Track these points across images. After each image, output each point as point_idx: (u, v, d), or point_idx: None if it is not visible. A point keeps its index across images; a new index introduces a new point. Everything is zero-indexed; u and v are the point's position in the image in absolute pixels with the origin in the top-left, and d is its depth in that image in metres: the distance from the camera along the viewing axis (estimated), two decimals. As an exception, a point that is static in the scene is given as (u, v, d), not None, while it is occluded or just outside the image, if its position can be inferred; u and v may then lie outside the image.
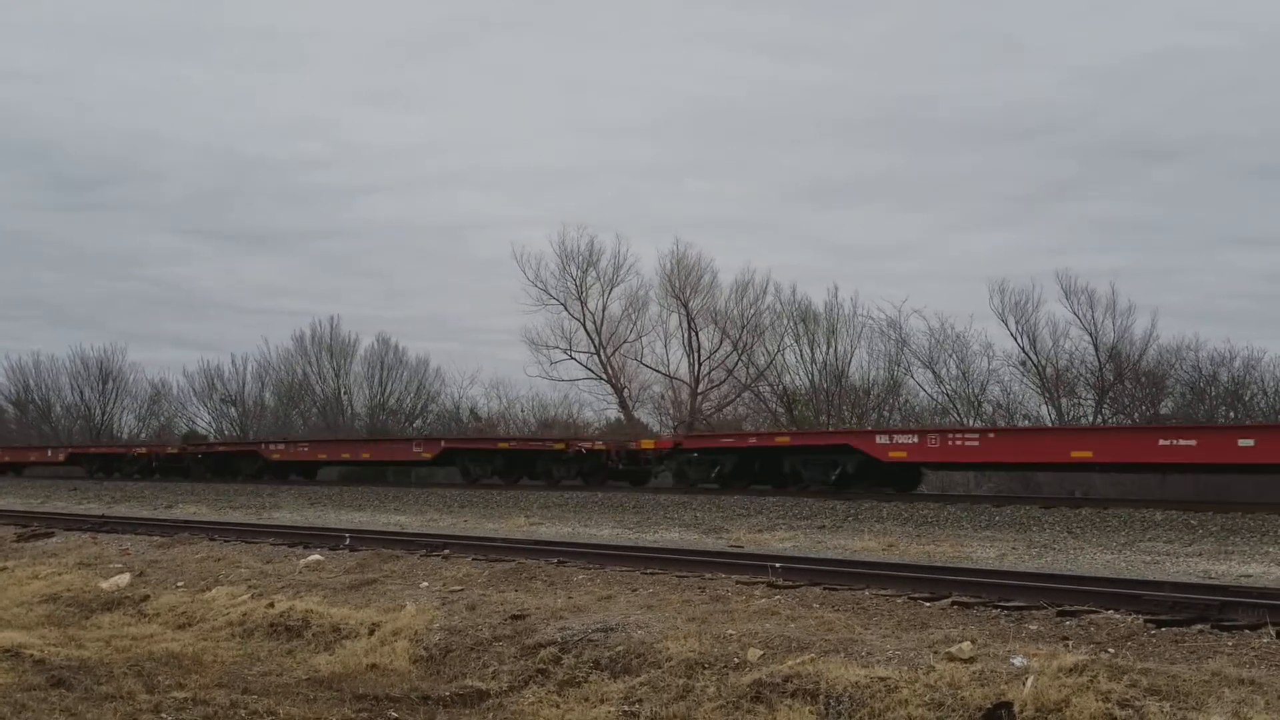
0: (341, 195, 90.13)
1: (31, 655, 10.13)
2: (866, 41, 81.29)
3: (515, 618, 10.39)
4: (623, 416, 47.19)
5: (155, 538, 18.71)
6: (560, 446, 30.64)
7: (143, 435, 63.01)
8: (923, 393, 42.92)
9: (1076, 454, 22.62)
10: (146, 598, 13.44)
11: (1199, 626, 8.76)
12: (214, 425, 61.65)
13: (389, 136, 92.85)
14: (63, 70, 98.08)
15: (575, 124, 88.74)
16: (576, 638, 9.50)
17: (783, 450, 26.42)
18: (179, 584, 14.07)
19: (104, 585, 14.21)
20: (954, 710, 7.17)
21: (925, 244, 71.64)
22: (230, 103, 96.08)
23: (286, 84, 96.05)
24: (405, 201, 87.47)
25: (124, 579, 14.48)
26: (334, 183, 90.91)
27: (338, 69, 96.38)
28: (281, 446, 38.76)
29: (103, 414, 65.74)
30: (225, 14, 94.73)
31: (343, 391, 57.57)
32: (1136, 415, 37.83)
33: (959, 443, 23.22)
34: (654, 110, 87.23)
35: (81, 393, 66.47)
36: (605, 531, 20.27)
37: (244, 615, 11.93)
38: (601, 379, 47.97)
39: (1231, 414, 36.78)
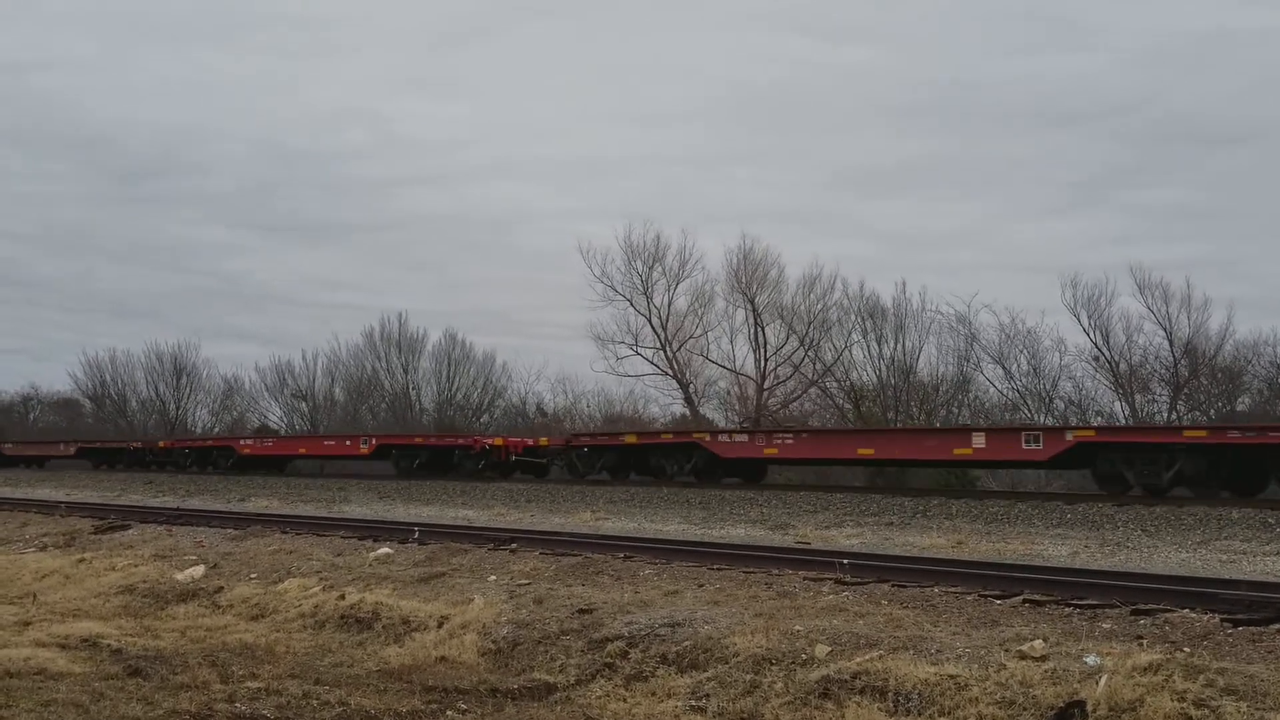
0: (387, 186, 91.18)
1: (109, 645, 10.34)
2: (911, 23, 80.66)
3: (582, 612, 10.43)
4: (688, 412, 47.13)
5: (229, 530, 19.01)
6: None
7: (216, 429, 64.05)
8: (993, 389, 42.44)
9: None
10: (220, 589, 13.66)
11: (1277, 626, 8.59)
12: (285, 420, 62.55)
13: (431, 127, 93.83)
14: (102, 60, 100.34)
15: (617, 112, 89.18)
16: (643, 632, 9.51)
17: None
18: (252, 576, 14.28)
19: (179, 577, 14.45)
20: (1025, 709, 7.10)
21: (983, 232, 70.98)
22: (270, 93, 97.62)
23: (325, 74, 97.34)
24: (451, 193, 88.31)
25: (198, 570, 14.72)
26: (378, 174, 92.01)
27: (375, 58, 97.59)
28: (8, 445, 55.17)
29: (177, 408, 66.87)
30: (258, 2, 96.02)
31: (411, 387, 58.12)
32: (1212, 412, 37.15)
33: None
34: (696, 96, 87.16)
35: (156, 388, 67.73)
36: (671, 527, 20.28)
37: (315, 607, 12.09)
38: (667, 374, 47.98)
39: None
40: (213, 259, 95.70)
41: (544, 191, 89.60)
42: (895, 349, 42.73)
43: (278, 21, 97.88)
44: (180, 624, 11.94)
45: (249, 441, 43.68)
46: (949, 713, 7.26)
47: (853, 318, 43.87)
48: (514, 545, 15.25)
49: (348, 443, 39.14)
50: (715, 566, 12.74)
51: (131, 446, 47.63)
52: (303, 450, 42.42)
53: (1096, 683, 7.14)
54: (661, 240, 48.14)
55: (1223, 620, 8.79)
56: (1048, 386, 40.89)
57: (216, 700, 8.15)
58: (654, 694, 8.45)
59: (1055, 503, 20.22)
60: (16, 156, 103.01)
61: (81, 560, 16.54)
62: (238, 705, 8.03)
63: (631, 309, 48.00)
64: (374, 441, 37.51)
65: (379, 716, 7.99)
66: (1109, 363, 40.08)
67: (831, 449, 27.36)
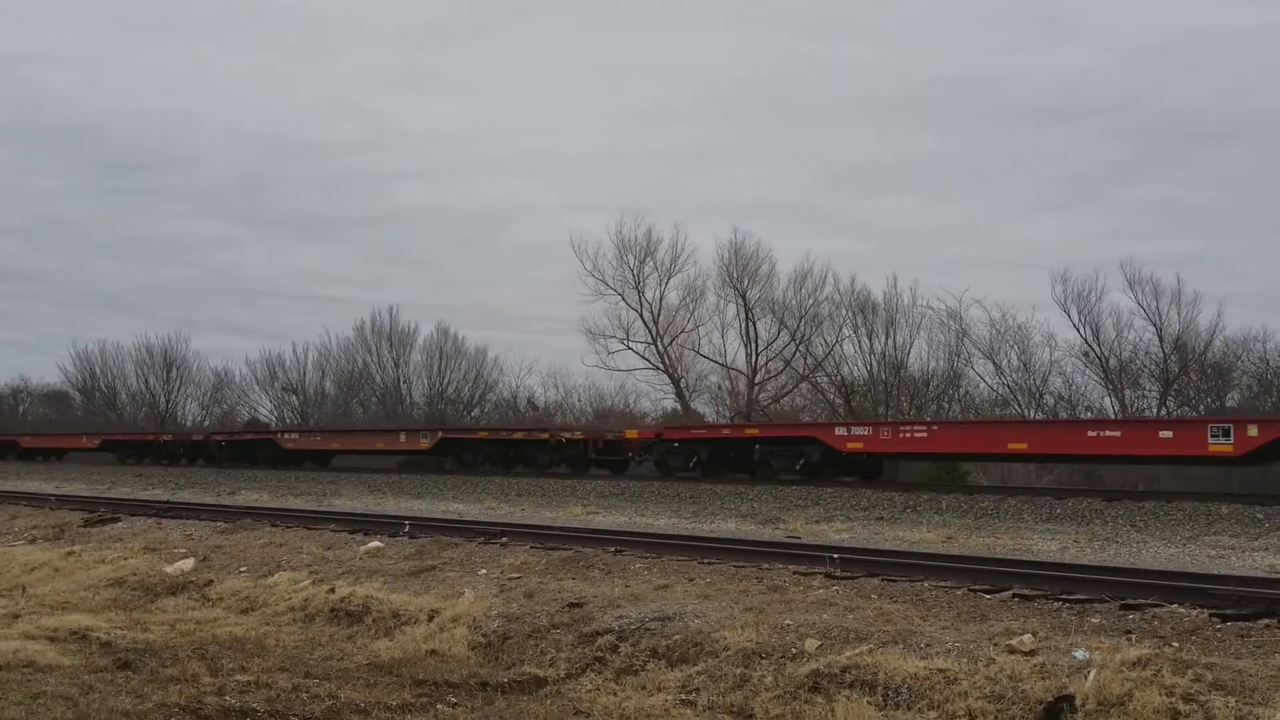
0: (380, 181, 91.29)
1: (98, 638, 10.33)
2: (907, 20, 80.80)
3: (573, 605, 10.43)
4: (679, 406, 47.14)
5: (218, 523, 18.97)
6: None
7: (206, 422, 63.93)
8: (983, 384, 42.51)
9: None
10: (210, 582, 13.64)
11: (1265, 621, 8.62)
12: (276, 413, 62.46)
13: (425, 122, 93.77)
14: (95, 53, 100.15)
15: (613, 109, 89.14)
16: (634, 626, 9.52)
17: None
18: (242, 569, 14.26)
19: (168, 570, 14.43)
20: (1014, 703, 7.11)
21: (978, 228, 71.08)
22: (265, 87, 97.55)
23: (320, 69, 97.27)
24: (445, 188, 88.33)
25: (188, 564, 14.70)
26: (372, 168, 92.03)
27: (371, 54, 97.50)
28: None
29: (167, 401, 66.76)
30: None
31: (402, 381, 58.04)
32: (1202, 408, 37.23)
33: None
34: (692, 93, 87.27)
35: (146, 380, 67.63)
36: (662, 521, 20.27)
37: (305, 600, 12.08)
38: (658, 369, 48.01)
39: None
40: (205, 252, 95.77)
41: (539, 187, 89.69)
42: (886, 344, 42.84)
43: (273, 16, 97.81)
44: (170, 617, 11.92)
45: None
46: (938, 706, 7.28)
47: (844, 313, 43.99)
48: (505, 539, 15.24)
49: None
50: (705, 560, 12.75)
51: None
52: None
53: (1085, 677, 7.16)
54: (653, 234, 48.27)
55: (1211, 615, 8.82)
56: (1038, 382, 41.01)
57: (206, 693, 8.14)
58: (644, 688, 8.46)
59: (1045, 498, 20.27)
60: (8, 150, 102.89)
61: (71, 553, 16.50)
62: (227, 698, 8.02)
63: (623, 303, 48.12)
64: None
65: (369, 710, 7.99)
66: (1099, 358, 40.18)
67: None
